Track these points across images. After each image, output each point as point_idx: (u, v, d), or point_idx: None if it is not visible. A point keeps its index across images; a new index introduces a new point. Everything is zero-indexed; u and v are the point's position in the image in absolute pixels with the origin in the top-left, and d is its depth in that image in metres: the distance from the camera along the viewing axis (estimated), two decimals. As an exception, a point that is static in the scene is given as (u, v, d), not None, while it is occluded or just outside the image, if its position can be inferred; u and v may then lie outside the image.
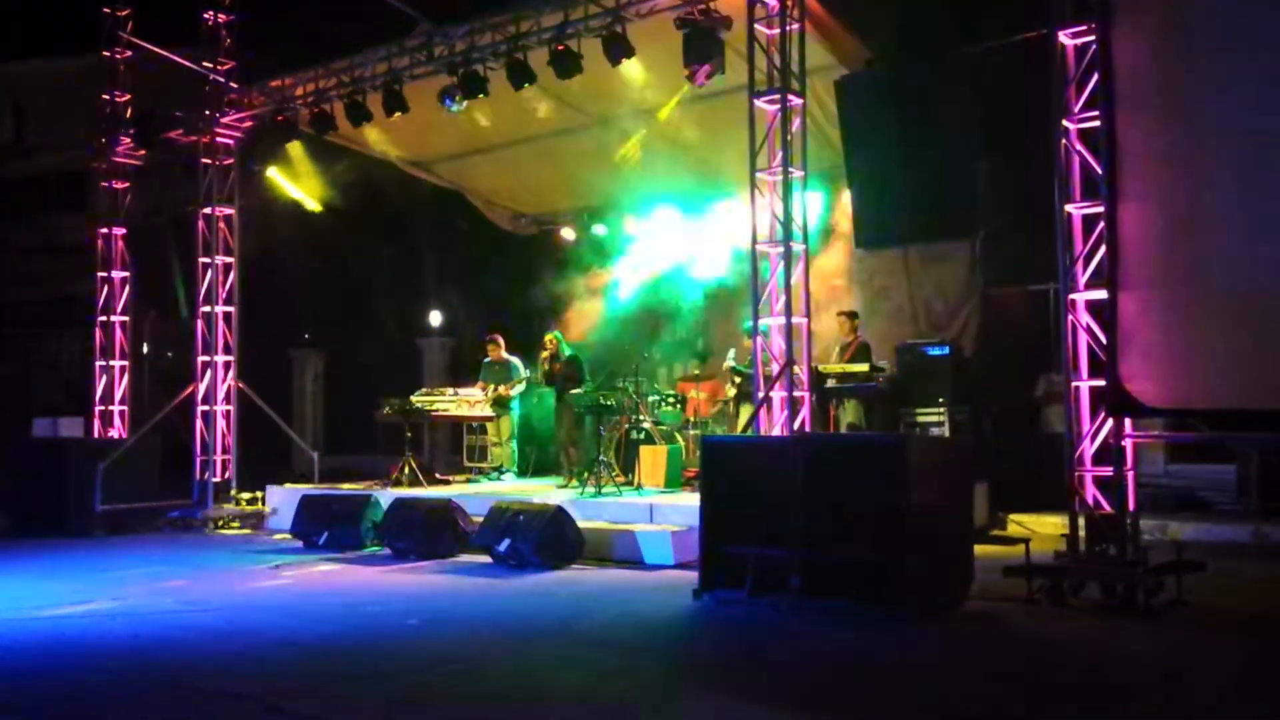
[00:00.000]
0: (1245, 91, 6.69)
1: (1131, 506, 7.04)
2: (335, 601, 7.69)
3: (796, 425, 8.69)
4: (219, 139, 12.77)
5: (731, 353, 11.66)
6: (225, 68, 12.70)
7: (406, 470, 12.03)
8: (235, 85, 12.73)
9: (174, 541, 11.19)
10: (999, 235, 10.70)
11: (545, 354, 12.71)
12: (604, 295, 14.68)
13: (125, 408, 13.66)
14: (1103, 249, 7.05)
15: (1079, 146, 7.32)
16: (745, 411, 11.24)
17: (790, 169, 8.86)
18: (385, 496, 10.35)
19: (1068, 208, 7.38)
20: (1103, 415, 7.15)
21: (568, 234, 15.24)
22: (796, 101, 8.91)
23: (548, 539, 8.78)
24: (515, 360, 13.08)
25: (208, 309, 12.75)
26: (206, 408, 12.65)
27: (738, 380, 11.32)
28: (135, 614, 7.09)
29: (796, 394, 8.74)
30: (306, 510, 10.50)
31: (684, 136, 12.14)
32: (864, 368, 10.91)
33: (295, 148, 12.84)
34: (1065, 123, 7.36)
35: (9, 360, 23.05)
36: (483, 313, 16.42)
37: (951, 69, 8.84)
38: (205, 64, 12.64)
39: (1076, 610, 6.80)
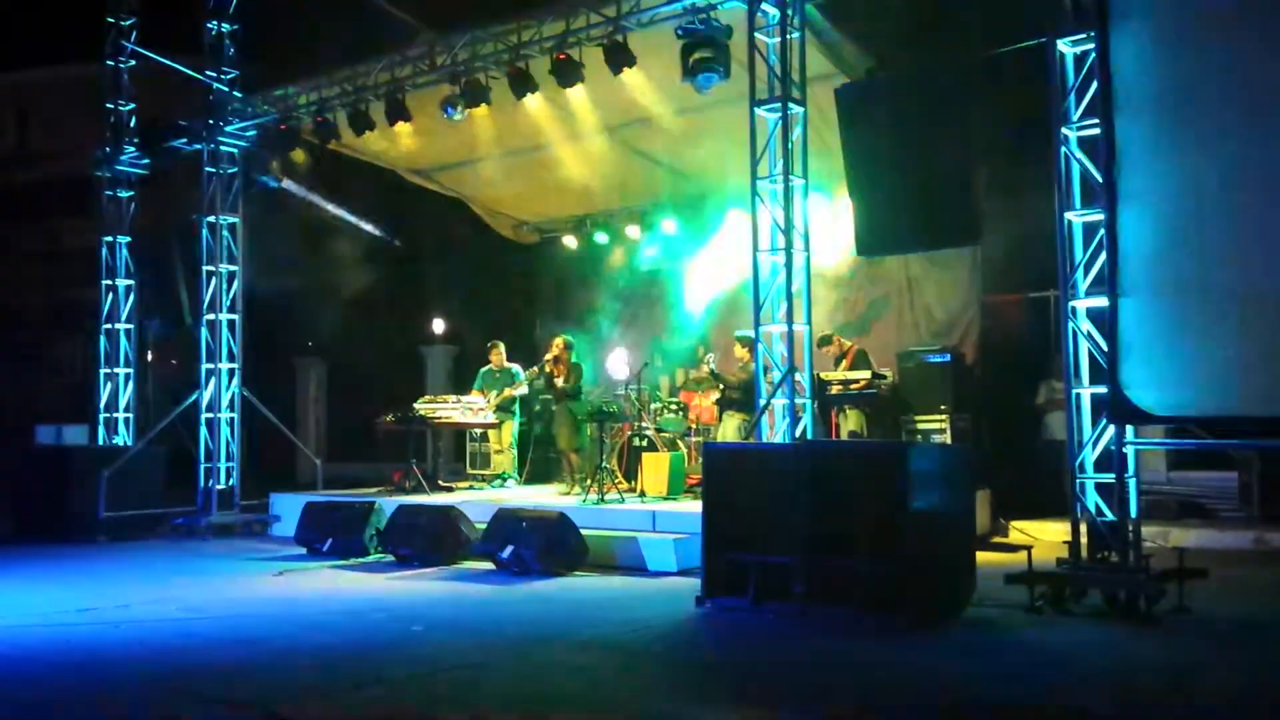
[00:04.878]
0: (1244, 98, 6.70)
1: (1133, 513, 7.04)
2: (339, 608, 7.71)
3: (798, 433, 8.70)
4: (222, 147, 12.79)
5: (710, 357, 11.56)
6: (229, 77, 12.74)
7: (410, 477, 12.06)
8: (238, 94, 12.76)
9: (178, 548, 11.21)
10: (999, 242, 10.72)
11: (549, 355, 12.60)
12: (606, 302, 14.71)
13: (129, 415, 13.68)
14: (1103, 256, 7.07)
15: (1079, 154, 7.35)
16: (729, 419, 11.23)
17: (791, 177, 8.90)
18: (388, 503, 10.36)
19: (1068, 215, 7.41)
20: (1104, 422, 7.16)
21: (570, 242, 15.29)
22: (797, 110, 8.94)
23: (551, 546, 8.79)
24: (516, 368, 13.07)
25: (212, 317, 12.78)
26: (211, 415, 12.67)
27: (721, 387, 11.30)
28: (139, 621, 7.11)
29: (798, 401, 8.76)
30: (310, 517, 10.52)
31: (685, 144, 12.18)
32: (866, 375, 10.92)
33: (298, 156, 12.89)
34: (1065, 130, 7.39)
35: (12, 366, 23.08)
36: (485, 320, 16.45)
37: (952, 77, 8.87)
38: (209, 73, 12.67)
39: (1079, 617, 6.82)
